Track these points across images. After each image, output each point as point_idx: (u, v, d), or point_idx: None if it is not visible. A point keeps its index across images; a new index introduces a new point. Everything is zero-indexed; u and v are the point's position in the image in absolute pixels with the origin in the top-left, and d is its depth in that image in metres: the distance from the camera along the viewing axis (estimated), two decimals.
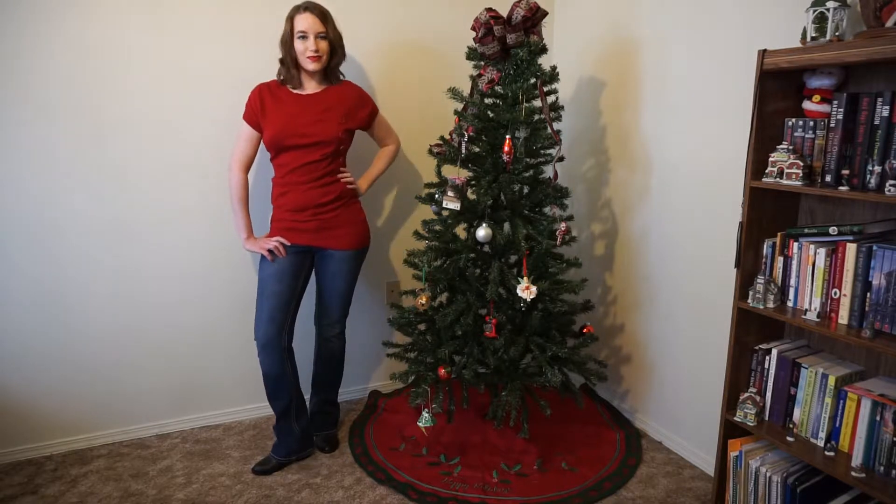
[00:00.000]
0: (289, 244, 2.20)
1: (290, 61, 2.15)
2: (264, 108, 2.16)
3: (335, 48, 2.16)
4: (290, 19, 2.11)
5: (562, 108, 2.31)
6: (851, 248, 1.60)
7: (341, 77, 2.28)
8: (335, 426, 2.51)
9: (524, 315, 2.25)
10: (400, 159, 2.80)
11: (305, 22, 2.08)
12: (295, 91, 2.19)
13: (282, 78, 2.21)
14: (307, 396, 2.48)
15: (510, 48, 2.20)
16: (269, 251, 2.19)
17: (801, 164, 1.66)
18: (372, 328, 2.87)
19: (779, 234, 1.80)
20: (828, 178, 1.63)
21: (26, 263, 2.25)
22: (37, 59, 2.15)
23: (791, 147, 1.71)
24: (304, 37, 2.09)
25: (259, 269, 2.24)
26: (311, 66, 2.12)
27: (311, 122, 2.15)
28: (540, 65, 2.22)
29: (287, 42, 2.13)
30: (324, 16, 2.12)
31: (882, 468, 1.56)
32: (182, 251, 2.47)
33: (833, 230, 1.66)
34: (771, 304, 1.78)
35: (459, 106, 2.31)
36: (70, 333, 2.35)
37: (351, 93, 2.26)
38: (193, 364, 2.57)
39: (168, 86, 2.34)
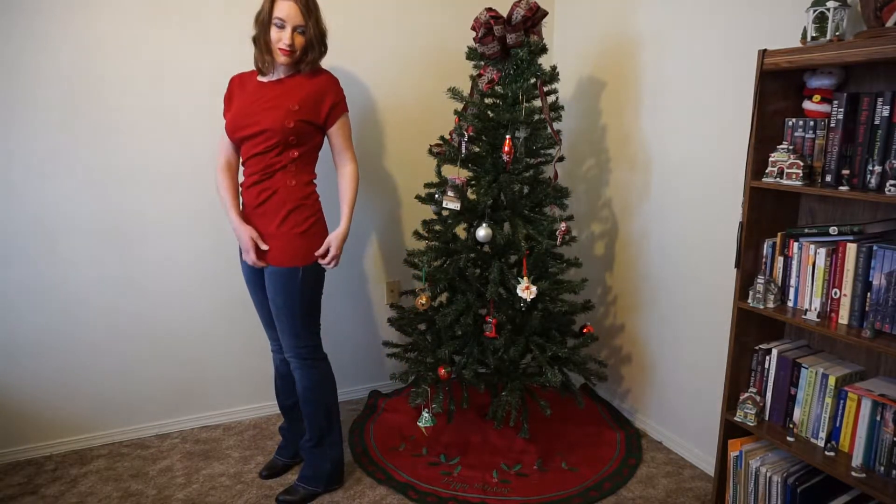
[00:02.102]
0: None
1: (262, 44, 1.91)
2: (231, 100, 2.00)
3: (313, 45, 1.91)
4: (271, 1, 1.85)
5: (562, 108, 2.31)
6: (852, 248, 1.60)
7: (318, 68, 2.01)
8: (310, 484, 2.12)
9: (524, 315, 2.25)
10: (400, 159, 2.80)
11: (285, 10, 1.83)
12: (261, 79, 1.97)
13: (256, 63, 1.97)
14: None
15: (510, 48, 2.20)
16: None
17: (802, 163, 1.66)
18: (372, 328, 2.87)
19: (779, 234, 1.80)
20: (828, 178, 1.62)
21: (26, 263, 2.25)
22: (36, 59, 2.15)
23: (791, 147, 1.71)
24: (280, 25, 1.85)
25: None
26: (281, 58, 1.88)
27: (260, 109, 1.90)
28: (540, 65, 2.22)
29: (264, 23, 1.88)
30: (307, 7, 1.86)
31: (882, 468, 1.56)
32: (181, 251, 2.47)
33: (833, 230, 1.66)
34: (771, 304, 1.78)
35: (459, 106, 2.31)
36: (70, 333, 2.35)
37: (318, 80, 1.96)
38: (193, 364, 2.57)
39: (168, 86, 2.34)
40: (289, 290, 1.95)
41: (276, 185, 1.93)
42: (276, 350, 2.19)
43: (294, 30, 1.86)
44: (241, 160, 2.01)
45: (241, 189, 2.02)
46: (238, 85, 2.02)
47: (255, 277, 2.07)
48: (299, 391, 2.07)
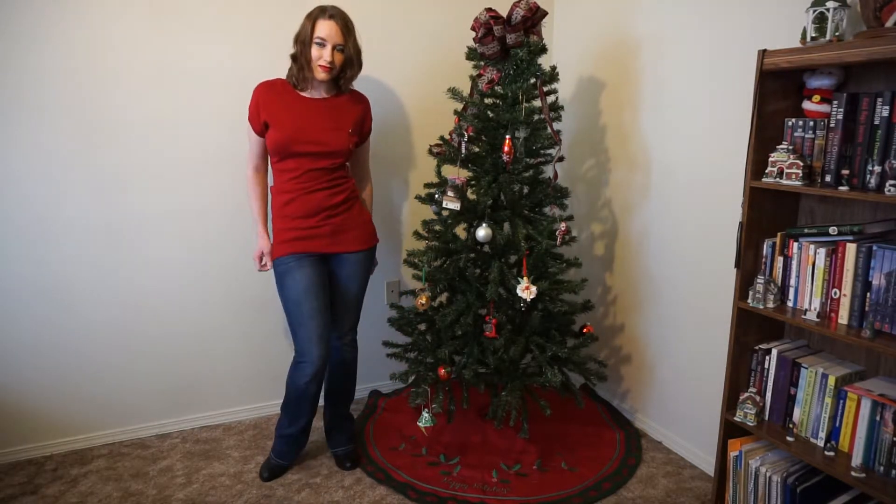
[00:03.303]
0: (302, 254, 2.09)
1: (304, 61, 2.01)
2: (269, 108, 2.05)
3: (351, 62, 2.04)
4: (313, 20, 1.98)
5: (561, 108, 2.31)
6: (851, 248, 1.61)
7: (354, 89, 2.19)
8: (353, 440, 2.39)
9: (524, 315, 2.25)
10: (400, 159, 2.80)
11: (326, 29, 1.96)
12: (303, 94, 2.08)
13: (293, 78, 2.08)
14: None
15: (510, 48, 2.20)
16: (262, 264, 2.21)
17: (801, 164, 1.66)
18: (372, 328, 2.87)
19: (779, 234, 1.80)
20: (828, 178, 1.63)
21: (26, 263, 2.25)
22: (35, 59, 2.15)
23: (791, 147, 1.71)
24: (321, 44, 1.97)
25: (283, 287, 2.09)
26: (320, 75, 2.00)
27: (323, 129, 2.06)
28: (540, 65, 2.22)
29: (305, 42, 1.99)
30: (347, 27, 2.00)
31: (882, 468, 1.56)
32: (181, 251, 2.47)
33: (833, 230, 1.66)
34: (771, 304, 1.78)
35: (459, 106, 2.31)
36: (70, 333, 2.35)
37: (360, 104, 2.18)
38: (193, 364, 2.57)
39: (167, 86, 2.34)
40: (367, 269, 2.27)
41: (346, 188, 2.16)
42: (324, 368, 2.15)
43: (334, 48, 1.99)
44: (293, 175, 2.07)
45: (296, 195, 2.07)
46: (274, 95, 2.06)
47: (322, 279, 2.14)
48: (351, 366, 2.32)
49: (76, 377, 2.39)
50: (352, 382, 2.36)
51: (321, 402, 2.44)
